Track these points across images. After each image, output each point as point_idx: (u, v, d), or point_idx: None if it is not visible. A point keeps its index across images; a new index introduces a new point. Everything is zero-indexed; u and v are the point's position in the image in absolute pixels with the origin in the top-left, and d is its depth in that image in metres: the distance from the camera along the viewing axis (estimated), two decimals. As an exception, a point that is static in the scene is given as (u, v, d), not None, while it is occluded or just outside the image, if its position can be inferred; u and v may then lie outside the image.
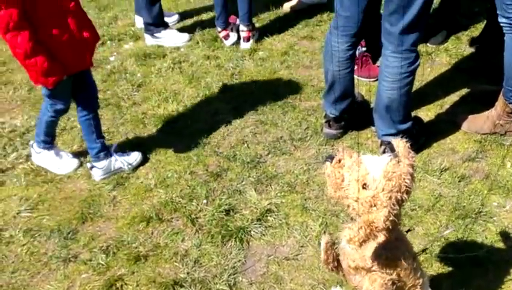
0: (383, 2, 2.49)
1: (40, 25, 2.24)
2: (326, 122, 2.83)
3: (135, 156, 2.77)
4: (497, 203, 2.31)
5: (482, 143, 2.68)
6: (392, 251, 1.53)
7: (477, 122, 2.77)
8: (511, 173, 2.47)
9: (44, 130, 2.69)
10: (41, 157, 2.77)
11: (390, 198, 1.38)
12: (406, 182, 1.40)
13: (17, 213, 2.51)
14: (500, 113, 2.70)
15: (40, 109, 2.69)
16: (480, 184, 2.44)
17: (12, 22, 2.15)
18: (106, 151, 2.69)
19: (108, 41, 4.05)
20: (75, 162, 2.78)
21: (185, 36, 3.92)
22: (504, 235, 2.14)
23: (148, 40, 3.95)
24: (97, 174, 2.68)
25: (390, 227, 1.42)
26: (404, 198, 1.41)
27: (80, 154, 2.84)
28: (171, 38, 3.91)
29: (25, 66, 2.31)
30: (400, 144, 1.48)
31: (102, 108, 3.25)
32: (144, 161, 2.79)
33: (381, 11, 2.54)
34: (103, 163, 2.67)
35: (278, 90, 3.30)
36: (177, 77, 3.53)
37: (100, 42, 4.01)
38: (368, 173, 1.40)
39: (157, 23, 3.88)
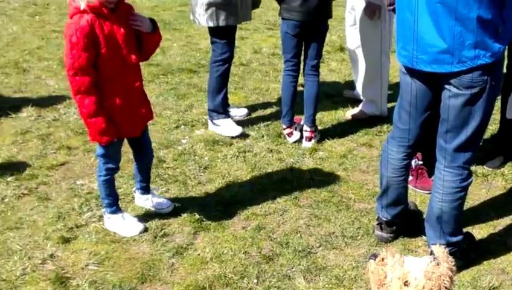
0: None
1: (106, 93, 2.68)
2: (378, 224, 2.97)
3: (167, 205, 3.22)
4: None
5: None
6: None
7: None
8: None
9: (103, 191, 2.99)
10: (111, 222, 3.04)
11: None
12: (445, 283, 1.52)
13: (85, 265, 2.74)
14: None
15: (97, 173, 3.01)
16: (527, 306, 2.47)
17: (83, 87, 2.59)
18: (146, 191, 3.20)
19: (182, 126, 4.45)
20: (140, 226, 3.04)
21: (239, 129, 4.24)
22: None
23: (210, 126, 4.32)
24: (138, 200, 3.22)
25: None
26: None
27: (145, 220, 3.10)
28: (227, 128, 4.25)
29: (86, 124, 2.72)
30: (440, 249, 1.62)
31: (170, 183, 3.57)
32: (203, 235, 3.01)
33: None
34: (145, 196, 3.20)
35: (334, 188, 3.50)
36: (240, 165, 3.82)
37: (175, 125, 4.45)
38: (409, 271, 1.54)
39: (218, 111, 4.26)
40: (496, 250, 2.86)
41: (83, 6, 2.54)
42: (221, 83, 4.22)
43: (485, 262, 2.78)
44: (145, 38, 2.79)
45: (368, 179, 3.64)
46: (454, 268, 1.58)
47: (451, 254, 2.60)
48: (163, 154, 3.93)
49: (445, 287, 1.52)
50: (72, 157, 3.86)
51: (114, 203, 3.03)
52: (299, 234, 3.03)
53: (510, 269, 2.74)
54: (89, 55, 2.56)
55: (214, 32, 4.09)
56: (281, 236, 3.01)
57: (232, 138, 4.19)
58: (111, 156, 2.89)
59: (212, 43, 4.18)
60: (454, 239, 2.70)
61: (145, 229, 3.04)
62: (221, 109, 4.28)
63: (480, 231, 3.02)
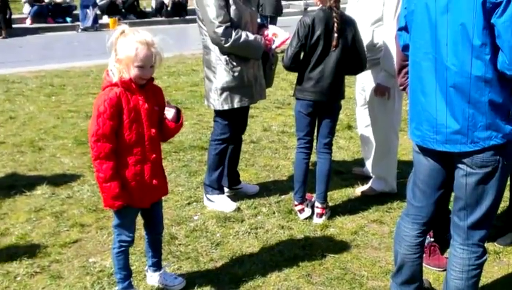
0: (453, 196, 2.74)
1: (122, 161, 2.80)
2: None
3: (179, 281, 3.23)
4: None
5: None
6: None
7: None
8: None
9: (116, 264, 3.00)
10: None
11: None
12: None
13: None
14: None
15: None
16: None
17: (103, 152, 2.72)
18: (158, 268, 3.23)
19: (194, 203, 4.50)
20: None
21: (233, 205, 4.30)
22: None
23: (204, 201, 4.39)
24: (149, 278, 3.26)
25: None
26: None
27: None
28: (221, 203, 4.32)
29: (101, 189, 2.81)
30: None
31: (182, 260, 3.57)
32: (216, 314, 2.98)
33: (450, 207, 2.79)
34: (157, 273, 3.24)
35: (347, 265, 3.49)
36: (252, 241, 3.83)
37: (187, 202, 4.50)
38: None
39: (213, 187, 4.34)
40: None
41: (115, 80, 2.74)
42: (218, 160, 4.35)
43: None
44: (168, 124, 2.95)
45: (380, 256, 3.63)
46: None
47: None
48: (175, 230, 3.96)
49: None
50: (85, 235, 3.89)
51: (127, 278, 3.03)
52: (313, 313, 2.99)
53: None
54: (113, 124, 2.73)
55: (218, 112, 4.25)
56: (295, 315, 2.97)
57: (244, 214, 4.23)
58: (125, 226, 2.94)
59: (214, 121, 4.35)
60: (471, 318, 2.65)
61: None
62: (217, 185, 4.37)
63: (496, 310, 2.98)
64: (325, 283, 3.29)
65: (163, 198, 3.20)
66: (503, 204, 4.00)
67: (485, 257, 2.65)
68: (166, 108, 2.96)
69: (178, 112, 2.99)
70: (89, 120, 2.79)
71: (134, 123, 2.80)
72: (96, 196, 4.46)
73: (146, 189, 2.91)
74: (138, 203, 2.94)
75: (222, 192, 4.44)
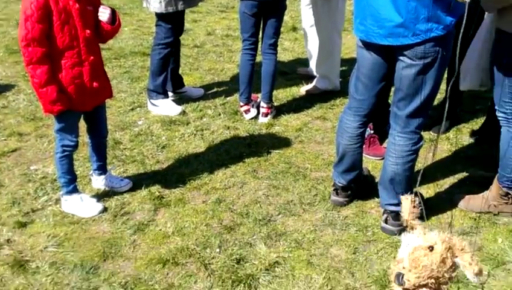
0: (392, 90, 2.82)
1: (57, 65, 2.69)
2: (334, 190, 3.08)
3: (126, 183, 3.23)
4: (487, 272, 2.49)
5: (477, 220, 2.90)
6: None
7: (473, 202, 3.00)
8: (502, 248, 2.66)
9: (60, 169, 2.96)
10: (68, 203, 3.02)
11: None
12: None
13: (44, 248, 2.71)
14: (495, 195, 2.94)
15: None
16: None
17: (36, 57, 2.61)
18: (103, 171, 3.21)
19: (138, 108, 4.42)
20: (99, 206, 3.02)
21: (178, 109, 4.28)
22: (494, 300, 2.31)
23: (148, 106, 4.34)
24: (95, 182, 3.24)
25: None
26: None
27: (104, 200, 3.09)
28: (166, 108, 4.28)
29: (38, 95, 2.72)
30: (407, 201, 1.70)
31: (128, 163, 3.55)
32: (164, 211, 3.03)
33: (389, 101, 2.86)
34: (102, 176, 3.22)
35: (291, 160, 3.59)
36: (198, 142, 3.84)
37: (130, 108, 4.42)
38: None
39: (157, 92, 4.28)
40: (443, 207, 3.02)
41: None
42: (162, 65, 4.24)
43: (433, 218, 2.93)
44: (104, 26, 2.81)
45: (323, 149, 3.74)
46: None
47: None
48: (119, 136, 3.91)
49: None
50: (23, 144, 3.78)
51: (71, 182, 3.00)
52: (258, 204, 3.09)
53: (456, 223, 2.90)
54: (43, 27, 2.58)
55: (161, 16, 4.08)
56: (241, 207, 3.07)
57: (189, 117, 4.21)
58: (67, 130, 2.87)
59: (157, 26, 4.19)
60: (406, 199, 2.82)
61: (105, 209, 3.03)
62: (161, 90, 4.30)
63: (428, 191, 3.17)
64: (270, 177, 3.38)
65: (106, 105, 3.12)
66: (440, 96, 4.15)
67: (421, 143, 2.78)
68: (100, 9, 2.79)
69: (113, 14, 2.83)
70: (19, 27, 2.62)
71: (66, 25, 2.65)
72: (34, 105, 4.29)
73: (86, 92, 2.81)
74: (79, 107, 2.85)
75: (166, 96, 4.37)
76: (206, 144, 3.82)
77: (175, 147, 3.77)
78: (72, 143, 2.92)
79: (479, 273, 1.50)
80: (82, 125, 3.03)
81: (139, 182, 3.32)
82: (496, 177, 2.96)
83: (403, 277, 1.53)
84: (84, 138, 3.35)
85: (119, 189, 3.21)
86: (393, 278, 1.55)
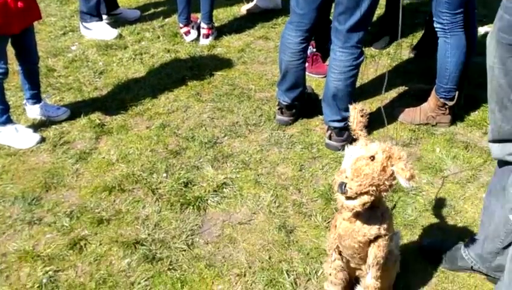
0: (333, 5, 2.77)
1: None
2: (279, 109, 3.08)
3: (63, 111, 3.10)
4: (426, 181, 2.62)
5: (416, 132, 3.01)
6: (389, 214, 1.75)
7: (412, 114, 3.09)
8: (439, 157, 2.79)
9: None
10: (3, 135, 2.86)
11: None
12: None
13: (-19, 181, 2.60)
14: (432, 106, 3.04)
15: None
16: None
17: None
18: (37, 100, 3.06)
19: (70, 33, 4.17)
20: (36, 136, 2.89)
21: (114, 32, 4.07)
22: (430, 205, 2.44)
23: (82, 30, 4.11)
24: (30, 111, 3.09)
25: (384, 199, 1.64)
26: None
27: (41, 130, 2.96)
28: (100, 31, 4.06)
29: None
30: (355, 110, 1.71)
31: (64, 91, 3.39)
32: (106, 139, 2.94)
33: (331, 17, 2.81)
34: (37, 106, 3.06)
35: (235, 81, 3.53)
36: (138, 67, 3.69)
37: (62, 32, 4.16)
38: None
39: (91, 14, 4.04)
40: (384, 120, 3.09)
41: None
42: None
43: (374, 132, 3.00)
44: None
45: (267, 69, 3.70)
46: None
47: (344, 128, 2.82)
48: (52, 62, 3.69)
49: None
50: None
51: (4, 112, 2.84)
52: (203, 127, 3.06)
53: (396, 135, 3.00)
54: None
55: None
56: (186, 131, 3.02)
57: (127, 41, 4.01)
58: None
59: None
60: (348, 114, 2.86)
61: (43, 140, 2.90)
62: (95, 12, 4.05)
63: (370, 106, 3.23)
64: (214, 100, 3.33)
65: (34, 30, 2.90)
66: (379, 11, 4.16)
67: (361, 58, 2.78)
68: None
69: None
70: None
71: None
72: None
73: (11, 13, 2.59)
74: (5, 29, 2.62)
75: (101, 19, 4.12)
76: (146, 68, 3.68)
77: (113, 73, 3.62)
78: (1, 70, 2.72)
79: (411, 178, 1.55)
80: (11, 52, 2.82)
81: (77, 110, 3.19)
82: (434, 88, 3.04)
83: (345, 186, 1.56)
84: (14, 65, 3.12)
85: (56, 118, 3.07)
86: (336, 188, 1.59)
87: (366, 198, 1.58)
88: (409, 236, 2.26)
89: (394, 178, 1.60)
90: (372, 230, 1.69)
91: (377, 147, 1.61)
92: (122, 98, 3.33)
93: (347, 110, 2.82)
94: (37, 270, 2.10)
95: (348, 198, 1.60)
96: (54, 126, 3.03)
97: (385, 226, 1.70)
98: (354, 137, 1.75)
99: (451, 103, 3.00)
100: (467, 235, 2.13)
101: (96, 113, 3.16)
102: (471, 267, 2.06)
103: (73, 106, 3.23)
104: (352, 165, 1.58)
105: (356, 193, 1.57)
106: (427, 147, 2.89)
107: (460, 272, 2.09)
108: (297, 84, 2.99)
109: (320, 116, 3.06)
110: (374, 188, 1.57)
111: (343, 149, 2.84)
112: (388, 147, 1.63)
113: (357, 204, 1.59)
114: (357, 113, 1.71)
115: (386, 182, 1.59)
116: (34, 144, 2.86)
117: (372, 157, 1.58)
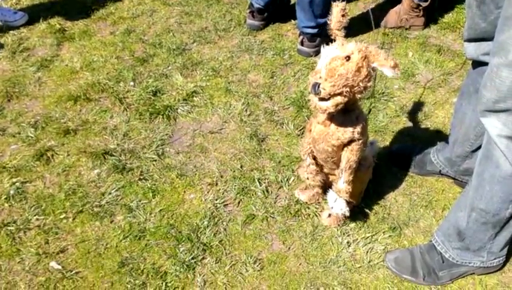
0: None
1: None
2: (250, 12, 2.94)
3: (20, 16, 2.91)
4: (398, 86, 2.60)
5: (390, 36, 2.94)
6: (363, 117, 1.72)
7: (387, 18, 3.01)
8: (412, 62, 2.75)
9: None
10: None
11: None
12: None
13: None
14: (407, 8, 2.95)
15: None
16: (385, 72, 2.70)
17: None
18: None
19: None
20: None
21: None
22: (401, 111, 2.44)
23: None
24: None
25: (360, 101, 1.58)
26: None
27: (-1, 38, 2.79)
28: None
29: None
30: (335, 8, 1.61)
31: None
32: (68, 46, 2.79)
33: None
34: None
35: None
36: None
37: None
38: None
39: None
40: (358, 26, 3.00)
41: None
42: None
43: (349, 37, 2.92)
44: None
45: (237, -30, 3.49)
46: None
47: (316, 35, 2.73)
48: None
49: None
50: None
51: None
52: (171, 33, 2.92)
53: (370, 40, 2.93)
54: None
55: None
56: (153, 37, 2.88)
57: None
58: None
59: None
60: (323, 20, 2.76)
61: (1, 46, 2.74)
62: None
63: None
64: (182, 3, 3.15)
65: None
66: None
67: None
68: None
69: None
70: None
71: None
72: None
73: None
74: None
75: None
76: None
77: None
78: None
79: (395, 66, 1.52)
80: None
81: (36, 14, 2.99)
82: (409, -10, 2.94)
83: (319, 86, 1.52)
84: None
85: (13, 23, 2.88)
86: (310, 88, 1.54)
87: (339, 99, 1.54)
88: (380, 142, 2.28)
89: (369, 80, 1.56)
90: (346, 134, 1.67)
91: (353, 47, 1.55)
92: (83, 1, 3.12)
93: (322, 16, 2.75)
94: (4, 181, 2.06)
95: (322, 99, 1.56)
96: (12, 32, 2.85)
97: (359, 130, 1.68)
98: (332, 37, 1.67)
99: (425, 4, 2.91)
100: (436, 140, 2.16)
101: (56, 18, 2.97)
102: (440, 171, 2.10)
103: (31, 10, 3.02)
104: (327, 66, 1.52)
105: (329, 94, 1.53)
106: (400, 51, 2.83)
107: (428, 176, 2.14)
108: (269, -15, 2.84)
109: (293, 21, 2.95)
110: (348, 89, 1.53)
111: (315, 55, 2.77)
112: (364, 47, 1.56)
113: (330, 105, 1.55)
114: (338, 12, 1.62)
115: (360, 84, 1.54)
116: (-9, 51, 2.71)
117: (348, 58, 1.52)
